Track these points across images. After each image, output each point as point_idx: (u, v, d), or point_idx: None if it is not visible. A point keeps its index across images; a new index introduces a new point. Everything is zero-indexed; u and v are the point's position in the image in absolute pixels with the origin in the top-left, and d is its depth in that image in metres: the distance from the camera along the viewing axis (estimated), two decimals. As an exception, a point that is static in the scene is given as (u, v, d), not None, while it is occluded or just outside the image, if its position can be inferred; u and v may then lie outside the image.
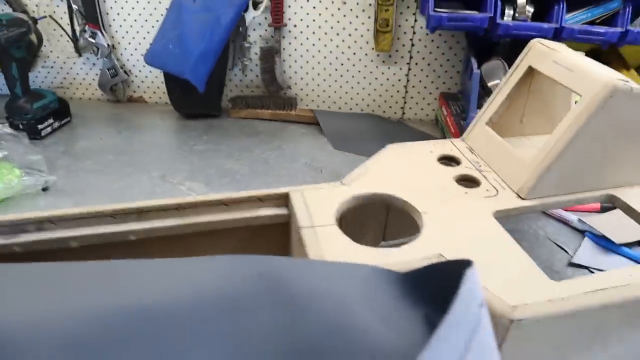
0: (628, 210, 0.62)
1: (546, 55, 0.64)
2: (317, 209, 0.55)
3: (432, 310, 0.47)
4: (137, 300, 0.37)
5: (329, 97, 1.23)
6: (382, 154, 0.67)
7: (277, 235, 0.61)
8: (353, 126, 1.18)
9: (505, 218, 0.59)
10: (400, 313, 0.45)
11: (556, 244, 0.85)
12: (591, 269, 0.81)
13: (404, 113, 1.25)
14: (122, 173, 0.99)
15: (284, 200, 0.59)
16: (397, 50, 1.16)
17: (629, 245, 0.85)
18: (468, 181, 0.64)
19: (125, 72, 1.24)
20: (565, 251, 0.85)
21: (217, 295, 0.41)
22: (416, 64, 1.18)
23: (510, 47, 1.03)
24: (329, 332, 0.41)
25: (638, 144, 0.62)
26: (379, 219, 0.72)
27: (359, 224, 0.68)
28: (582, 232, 0.88)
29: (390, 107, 1.24)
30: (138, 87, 1.28)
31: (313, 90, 1.22)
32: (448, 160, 0.68)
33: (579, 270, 0.81)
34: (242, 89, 1.24)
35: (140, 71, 1.26)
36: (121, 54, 1.24)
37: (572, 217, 0.89)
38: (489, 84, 0.97)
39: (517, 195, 0.60)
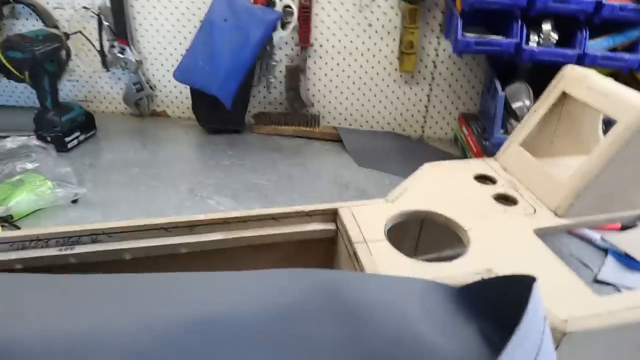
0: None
1: (579, 81, 0.67)
2: (367, 224, 0.57)
3: (486, 323, 0.48)
4: (197, 312, 0.38)
5: (351, 115, 1.26)
6: (420, 173, 0.69)
7: (322, 250, 0.63)
8: (375, 144, 1.20)
9: (545, 235, 0.61)
10: (457, 326, 0.47)
11: (581, 262, 0.86)
12: (617, 286, 0.82)
13: (423, 132, 1.28)
14: (149, 186, 1.01)
15: (332, 215, 0.61)
16: (419, 72, 1.19)
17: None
18: (505, 199, 0.66)
19: (150, 87, 1.27)
20: (590, 269, 0.86)
21: (276, 308, 0.42)
22: (438, 84, 1.21)
23: (532, 70, 1.06)
24: (392, 342, 0.42)
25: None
26: (413, 234, 0.74)
27: (397, 239, 0.70)
28: (605, 250, 0.90)
29: (410, 125, 1.27)
30: (162, 101, 1.31)
31: (336, 108, 1.25)
32: (484, 179, 0.70)
33: (605, 287, 0.82)
34: (266, 105, 1.27)
35: (165, 86, 1.28)
36: (147, 69, 1.27)
37: (595, 236, 0.91)
38: (513, 106, 1.00)
39: (555, 213, 0.62)
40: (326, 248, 0.63)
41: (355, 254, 0.53)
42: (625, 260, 0.87)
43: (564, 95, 0.70)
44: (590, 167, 0.61)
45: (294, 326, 0.44)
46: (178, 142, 1.20)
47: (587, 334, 0.46)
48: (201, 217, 0.57)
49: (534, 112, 0.72)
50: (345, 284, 0.47)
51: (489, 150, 1.03)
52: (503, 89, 0.98)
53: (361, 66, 1.19)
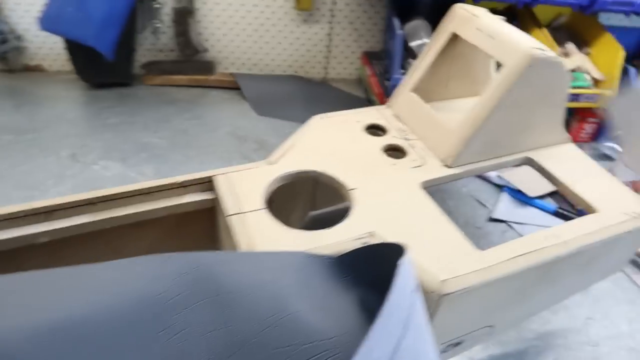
0: (542, 170, 0.65)
1: (468, 21, 0.64)
2: (245, 192, 0.53)
3: (367, 293, 0.47)
4: (43, 319, 0.34)
5: (249, 59, 1.18)
6: (308, 127, 0.65)
7: (204, 221, 0.59)
8: (276, 89, 1.14)
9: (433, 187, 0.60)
10: (336, 298, 0.45)
11: (478, 201, 0.89)
12: (509, 223, 0.86)
13: (327, 73, 1.23)
14: (25, 155, 0.90)
15: (208, 184, 0.56)
16: (318, 9, 1.12)
17: (541, 197, 0.91)
18: (395, 150, 0.64)
19: (15, 37, 1.11)
20: (486, 207, 0.89)
21: (143, 299, 0.39)
22: (338, 22, 1.15)
23: (432, 6, 1.02)
24: (265, 325, 0.40)
25: (550, 108, 0.65)
26: (307, 192, 0.71)
27: (289, 199, 0.67)
28: (501, 187, 0.92)
29: (313, 67, 1.21)
30: (35, 54, 1.15)
31: (232, 52, 1.16)
32: (375, 129, 0.68)
33: (499, 225, 0.85)
34: (155, 53, 1.16)
35: (37, 36, 1.13)
36: (8, 16, 1.10)
37: (492, 174, 0.93)
38: (412, 44, 0.96)
39: (443, 163, 0.61)
40: (207, 219, 0.59)
41: (230, 228, 0.50)
42: (518, 195, 0.90)
43: (455, 37, 0.67)
44: (477, 113, 0.59)
45: (163, 317, 0.40)
46: (58, 100, 1.07)
47: (465, 292, 0.46)
48: (58, 200, 0.51)
49: (425, 55, 0.69)
50: (217, 267, 0.44)
51: (389, 91, 1.00)
52: (402, 27, 0.94)
53: (255, 5, 1.10)
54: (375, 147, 0.63)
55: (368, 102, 1.14)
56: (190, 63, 1.12)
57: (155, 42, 1.13)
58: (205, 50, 1.13)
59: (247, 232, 0.48)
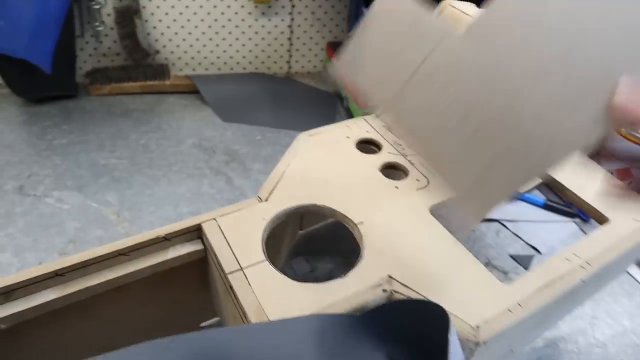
0: (546, 178, 0.62)
1: (459, 21, 0.59)
2: (240, 241, 0.47)
3: (393, 347, 0.43)
4: None
5: (206, 58, 1.08)
6: (294, 150, 0.59)
7: (193, 271, 0.52)
8: (238, 90, 1.06)
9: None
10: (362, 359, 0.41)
11: (467, 201, 0.85)
12: (501, 221, 0.83)
13: (290, 67, 1.15)
14: (-39, 191, 0.79)
15: (196, 232, 0.49)
16: (277, 0, 1.03)
17: (529, 191, 0.89)
18: (394, 169, 0.59)
19: None
20: (476, 206, 0.86)
21: None
22: (299, 12, 1.06)
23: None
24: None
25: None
26: (296, 216, 0.66)
27: (278, 232, 0.60)
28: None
29: (275, 62, 1.13)
30: (-43, 67, 1.01)
31: (186, 52, 1.06)
32: (368, 144, 0.62)
33: (492, 224, 0.82)
34: (100, 58, 1.04)
35: (-45, 48, 0.98)
36: None
37: (477, 168, 0.90)
38: (384, 37, 0.90)
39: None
40: (196, 269, 0.52)
41: (231, 288, 0.43)
42: (506, 189, 0.87)
43: (442, 39, 0.61)
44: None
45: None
46: (-8, 121, 0.94)
47: (499, 335, 0.43)
48: (18, 277, 0.43)
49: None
50: (228, 348, 0.38)
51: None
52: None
53: None
54: (372, 167, 0.57)
55: (338, 97, 1.07)
56: (140, 68, 1.01)
57: (97, 47, 1.02)
58: (156, 52, 1.03)
59: (250, 291, 0.42)
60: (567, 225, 0.84)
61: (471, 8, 0.60)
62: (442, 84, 0.42)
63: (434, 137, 0.43)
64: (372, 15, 0.48)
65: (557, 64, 0.32)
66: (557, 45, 0.32)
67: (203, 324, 0.62)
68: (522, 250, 0.79)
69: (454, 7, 0.60)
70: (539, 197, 0.87)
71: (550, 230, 0.83)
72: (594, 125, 0.30)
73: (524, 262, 0.77)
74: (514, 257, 0.77)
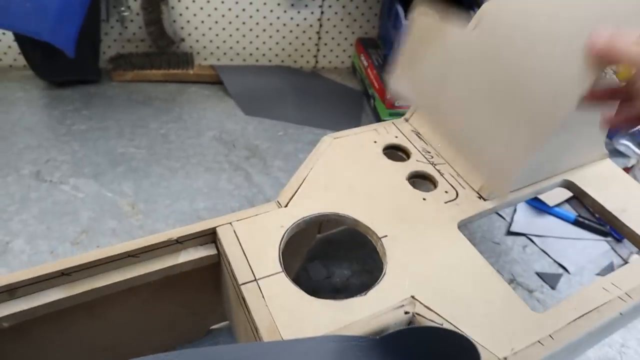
0: (584, 196, 0.58)
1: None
2: (256, 249, 0.44)
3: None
4: None
5: (231, 48, 1.06)
6: (318, 152, 0.56)
7: (204, 276, 0.49)
8: (262, 83, 1.03)
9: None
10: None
11: (496, 212, 0.81)
12: (529, 236, 0.79)
13: (317, 62, 1.12)
14: (-23, 173, 0.78)
15: (210, 236, 0.47)
16: (307, -8, 1.00)
17: (559, 205, 0.84)
18: (422, 178, 0.56)
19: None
20: (503, 218, 0.82)
21: None
22: (330, 6, 1.03)
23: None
24: None
25: (596, 123, 0.57)
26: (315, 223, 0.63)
27: (296, 235, 0.58)
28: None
29: (302, 56, 1.10)
30: (-18, 46, 1.00)
31: (212, 41, 1.04)
32: (395, 150, 0.59)
33: (518, 238, 0.79)
34: (124, 44, 1.02)
35: (-19, 26, 0.97)
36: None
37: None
38: (417, 36, 0.86)
39: (479, 195, 0.53)
40: (210, 275, 0.50)
41: (244, 300, 0.41)
42: (536, 204, 0.83)
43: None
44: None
45: None
46: (12, 103, 0.93)
47: (529, 368, 0.39)
48: (26, 274, 0.41)
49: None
50: None
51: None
52: (406, 15, 0.84)
53: (237, -12, 0.97)
54: (400, 176, 0.54)
55: (365, 96, 1.04)
56: (165, 55, 0.99)
57: (122, 32, 1.00)
58: (182, 40, 1.01)
59: (264, 306, 0.40)
60: (598, 244, 0.80)
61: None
62: (467, 75, 0.49)
63: (465, 121, 0.50)
64: (412, 34, 0.54)
65: (548, 35, 0.41)
66: (546, 20, 0.42)
67: (213, 327, 0.60)
68: (549, 268, 0.75)
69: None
70: (570, 212, 0.83)
71: (580, 248, 0.79)
72: (584, 73, 0.38)
73: (550, 280, 0.73)
74: (540, 275, 0.73)
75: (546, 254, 0.77)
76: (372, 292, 0.42)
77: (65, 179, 0.78)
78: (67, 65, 0.93)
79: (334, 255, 0.71)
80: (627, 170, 0.87)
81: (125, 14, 0.96)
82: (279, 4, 1.01)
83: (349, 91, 1.05)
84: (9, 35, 0.96)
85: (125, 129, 0.90)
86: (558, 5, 0.42)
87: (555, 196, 0.83)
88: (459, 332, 0.37)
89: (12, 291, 0.41)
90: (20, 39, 0.90)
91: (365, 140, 0.58)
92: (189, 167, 0.83)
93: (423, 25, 0.53)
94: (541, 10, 0.43)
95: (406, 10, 0.85)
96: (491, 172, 0.50)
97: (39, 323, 0.43)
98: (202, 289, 0.52)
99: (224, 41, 1.04)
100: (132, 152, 0.85)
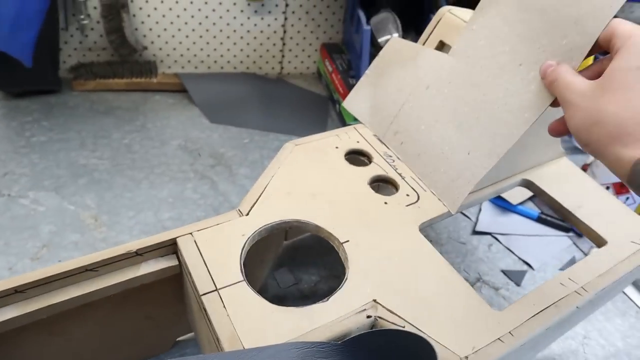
0: (542, 194, 0.60)
1: (458, 28, 0.56)
2: (217, 258, 0.44)
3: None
4: None
5: (195, 55, 1.05)
6: (281, 159, 0.56)
7: (166, 287, 0.49)
8: (228, 90, 1.02)
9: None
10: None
11: (461, 212, 0.83)
12: (494, 235, 0.81)
13: (282, 68, 1.12)
14: None
15: (171, 247, 0.46)
16: (269, -2, 1.00)
17: (522, 203, 0.86)
18: (384, 182, 0.56)
19: None
20: (469, 218, 0.83)
21: None
22: (293, 12, 1.03)
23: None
24: None
25: (546, 127, 0.59)
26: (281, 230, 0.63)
27: (262, 242, 0.58)
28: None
29: (267, 62, 1.10)
30: None
31: (175, 49, 1.03)
32: (357, 155, 0.59)
33: (484, 237, 0.80)
34: (85, 53, 1.00)
35: None
36: None
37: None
38: (380, 40, 0.87)
39: (439, 196, 0.54)
40: (173, 286, 0.49)
41: (205, 310, 0.40)
42: (500, 202, 0.85)
43: (442, 44, 0.59)
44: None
45: None
46: (-31, 114, 0.91)
47: (489, 365, 0.40)
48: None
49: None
50: None
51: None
52: (368, 21, 0.85)
53: (199, -4, 0.97)
54: (361, 180, 0.54)
55: (330, 101, 1.04)
56: (127, 64, 0.98)
57: (83, 41, 0.98)
58: (144, 48, 0.99)
59: (226, 316, 0.39)
60: (560, 240, 0.82)
61: (468, 14, 0.57)
62: (436, 93, 0.53)
63: (426, 136, 0.53)
64: (381, 58, 0.60)
65: (510, 62, 0.46)
66: (509, 51, 0.47)
67: (179, 339, 0.59)
68: (514, 265, 0.77)
69: (452, 14, 0.57)
70: (533, 210, 0.85)
71: (543, 244, 0.81)
72: (540, 99, 0.43)
73: (516, 277, 0.74)
74: (505, 273, 0.75)
75: (511, 251, 0.78)
76: (334, 298, 0.42)
77: (24, 193, 0.76)
78: (25, 75, 0.91)
79: (301, 262, 0.71)
80: (585, 167, 0.90)
81: (85, 22, 0.94)
82: (242, 11, 1.00)
83: (314, 96, 1.06)
84: (-37, 46, 0.93)
85: (87, 139, 0.88)
86: (519, 38, 0.46)
87: (519, 194, 0.85)
88: (419, 333, 0.37)
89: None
90: (-27, 49, 0.87)
91: (327, 146, 0.58)
92: (153, 177, 0.82)
93: (397, 46, 0.59)
94: (504, 41, 0.47)
95: (367, 15, 0.86)
96: (445, 185, 0.52)
97: (-6, 342, 0.42)
98: (165, 300, 0.51)
99: (188, 49, 1.03)
100: (94, 163, 0.83)
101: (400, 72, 0.57)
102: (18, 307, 0.41)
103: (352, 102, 0.62)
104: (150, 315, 0.52)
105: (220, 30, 1.02)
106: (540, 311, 0.44)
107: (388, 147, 0.59)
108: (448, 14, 0.57)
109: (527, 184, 0.60)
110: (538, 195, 0.60)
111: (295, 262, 0.71)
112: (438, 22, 0.58)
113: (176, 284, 0.49)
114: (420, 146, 0.54)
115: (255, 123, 0.94)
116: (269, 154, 0.89)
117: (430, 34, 0.59)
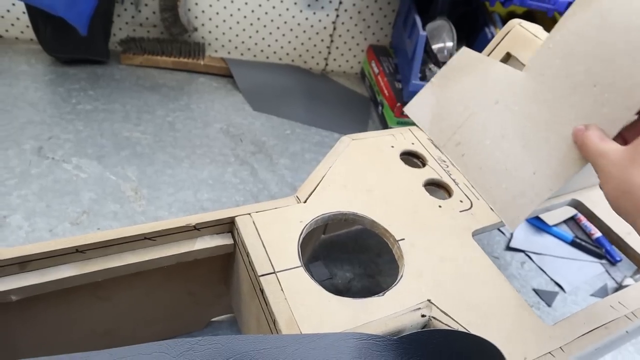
0: (592, 217, 0.59)
1: (528, 42, 0.55)
2: (275, 242, 0.44)
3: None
4: None
5: (243, 42, 1.05)
6: (337, 152, 0.56)
7: (215, 265, 0.49)
8: (272, 80, 1.03)
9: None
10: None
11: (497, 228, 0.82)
12: (527, 253, 0.80)
13: (327, 64, 1.12)
14: (-22, 146, 0.76)
15: (228, 225, 0.46)
16: (324, -7, 1.00)
17: (557, 225, 0.86)
18: (438, 186, 0.56)
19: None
20: (503, 233, 0.83)
21: None
22: (345, 10, 1.03)
23: (453, 4, 0.93)
24: None
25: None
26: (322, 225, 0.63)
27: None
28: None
29: (312, 57, 1.10)
30: (-11, 16, 0.98)
31: (224, 34, 1.03)
32: (412, 156, 0.59)
33: (517, 254, 0.79)
34: (135, 28, 1.01)
35: (-10, -4, 0.96)
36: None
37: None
38: (433, 47, 0.87)
39: (490, 206, 0.53)
40: (221, 266, 0.49)
41: (262, 291, 0.40)
42: (536, 222, 0.84)
43: (509, 56, 0.58)
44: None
45: None
46: (19, 76, 0.91)
47: (540, 380, 0.40)
48: (35, 247, 0.40)
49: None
50: (259, 357, 0.36)
51: (402, 96, 0.91)
52: (424, 27, 0.85)
53: (255, -16, 0.97)
54: (416, 182, 0.54)
55: (372, 102, 1.04)
56: (176, 43, 0.98)
57: (135, 16, 0.99)
58: (194, 29, 1.00)
59: (284, 299, 0.39)
60: (593, 266, 0.81)
61: (538, 29, 0.57)
62: (504, 108, 0.53)
63: (490, 151, 0.53)
64: (448, 67, 0.59)
65: (584, 83, 0.46)
66: (581, 69, 0.46)
67: (213, 319, 0.59)
68: (545, 285, 0.76)
69: (522, 27, 0.57)
70: (567, 233, 0.84)
71: (575, 268, 0.80)
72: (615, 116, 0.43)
73: (547, 298, 0.74)
74: (537, 292, 0.74)
75: (543, 271, 0.78)
76: (389, 294, 0.42)
77: (67, 158, 0.77)
78: (77, 43, 0.92)
79: (336, 257, 0.71)
80: None
81: (141, -3, 0.95)
82: (295, 3, 1.01)
83: (357, 96, 1.05)
84: (19, 7, 0.95)
85: (132, 113, 0.88)
86: (595, 59, 0.45)
87: (556, 216, 0.84)
88: (480, 336, 0.37)
89: (24, 264, 0.39)
90: (32, 11, 0.88)
91: (383, 144, 0.58)
92: (194, 157, 0.82)
93: (467, 56, 0.58)
94: (580, 61, 0.46)
95: (424, 21, 0.86)
96: (505, 201, 0.52)
97: (45, 299, 0.42)
98: (210, 279, 0.51)
99: (237, 35, 1.03)
100: (137, 137, 0.84)
101: (468, 84, 0.57)
102: (77, 267, 0.41)
103: (414, 108, 0.62)
104: (192, 291, 0.52)
105: (272, 20, 1.02)
106: (591, 330, 0.44)
107: (444, 154, 0.59)
108: (518, 26, 0.57)
109: (576, 204, 0.59)
110: (587, 217, 0.59)
111: (330, 257, 0.70)
112: (507, 33, 0.58)
113: (225, 263, 0.49)
114: (482, 160, 0.54)
115: (298, 116, 0.94)
116: (310, 148, 0.89)
117: (498, 44, 0.58)
